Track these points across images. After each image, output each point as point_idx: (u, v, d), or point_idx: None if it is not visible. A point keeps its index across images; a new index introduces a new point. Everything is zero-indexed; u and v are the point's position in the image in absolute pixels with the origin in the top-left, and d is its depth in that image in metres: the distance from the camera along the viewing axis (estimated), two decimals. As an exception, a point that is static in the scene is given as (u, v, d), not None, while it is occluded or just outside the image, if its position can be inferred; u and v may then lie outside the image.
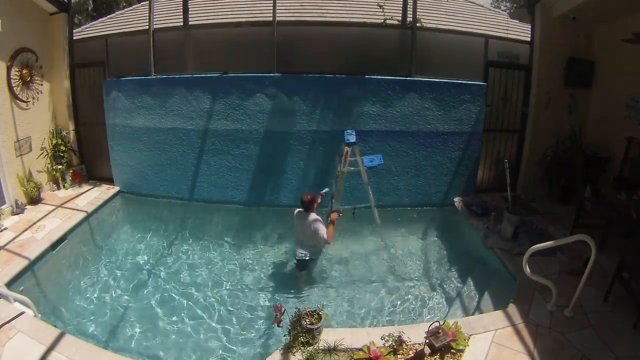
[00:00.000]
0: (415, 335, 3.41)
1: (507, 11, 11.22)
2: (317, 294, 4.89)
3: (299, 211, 4.92)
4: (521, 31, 7.25)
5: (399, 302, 4.77)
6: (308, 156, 6.31)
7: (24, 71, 5.94)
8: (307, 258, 4.86)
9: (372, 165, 5.14)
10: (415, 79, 6.13)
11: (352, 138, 4.70)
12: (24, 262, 4.55)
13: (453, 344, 3.29)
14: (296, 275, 5.07)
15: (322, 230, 4.68)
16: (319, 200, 4.98)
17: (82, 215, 5.76)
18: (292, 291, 4.94)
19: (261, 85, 6.06)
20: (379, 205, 6.42)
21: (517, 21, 7.61)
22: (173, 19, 7.46)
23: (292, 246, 5.82)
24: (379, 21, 6.72)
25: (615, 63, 5.97)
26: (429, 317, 4.46)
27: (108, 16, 9.34)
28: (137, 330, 4.28)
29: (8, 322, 3.57)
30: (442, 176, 6.44)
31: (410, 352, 3.34)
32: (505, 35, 6.89)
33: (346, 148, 4.79)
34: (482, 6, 9.29)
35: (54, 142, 6.55)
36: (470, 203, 6.22)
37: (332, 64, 6.39)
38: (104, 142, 6.74)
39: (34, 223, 5.43)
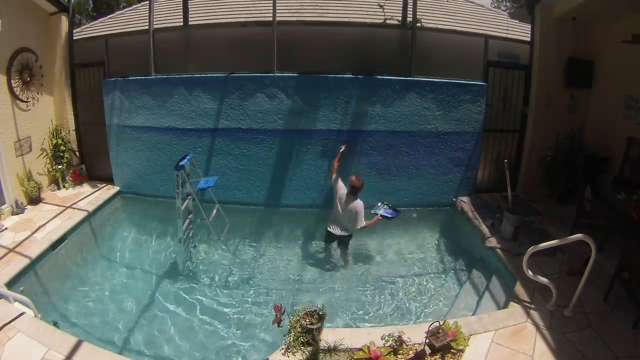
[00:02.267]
0: (415, 335, 3.42)
1: (507, 11, 11.22)
2: (311, 293, 4.90)
3: (346, 192, 5.15)
4: (521, 31, 7.24)
5: (398, 302, 4.77)
6: (308, 156, 6.31)
7: (24, 71, 5.94)
8: (347, 234, 5.26)
9: (206, 186, 5.34)
10: (416, 79, 6.12)
11: (182, 162, 4.98)
12: (24, 262, 4.55)
13: (453, 344, 3.29)
14: (337, 249, 5.46)
15: (362, 219, 5.11)
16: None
17: (82, 215, 5.76)
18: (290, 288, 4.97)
19: (261, 85, 6.06)
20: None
21: (517, 21, 7.60)
22: (173, 19, 7.46)
23: (287, 250, 5.83)
24: (379, 21, 6.72)
25: (615, 63, 5.97)
26: (428, 317, 4.46)
27: (108, 16, 9.32)
28: (137, 329, 4.28)
29: (9, 322, 3.57)
30: (442, 176, 6.44)
31: (410, 352, 3.34)
32: (505, 35, 6.89)
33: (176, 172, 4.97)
34: (482, 6, 9.27)
35: (54, 142, 6.55)
36: (470, 203, 6.22)
37: (332, 64, 6.39)
38: (104, 142, 6.75)
39: (36, 225, 5.43)
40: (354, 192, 5.08)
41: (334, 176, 5.35)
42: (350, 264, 5.47)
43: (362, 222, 5.12)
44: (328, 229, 5.30)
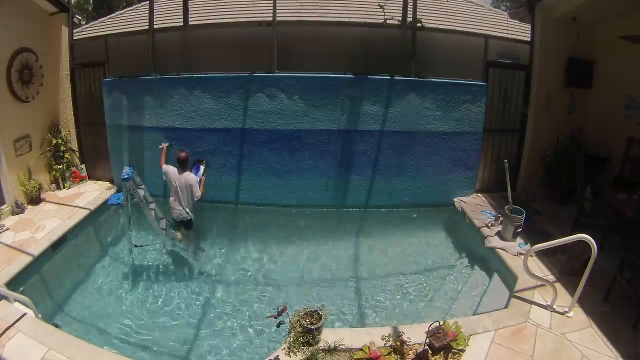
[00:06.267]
0: (415, 335, 3.42)
1: (507, 11, 11.22)
2: (318, 292, 4.89)
3: (173, 170, 5.24)
4: (521, 31, 7.24)
5: (398, 302, 4.77)
6: (307, 156, 6.31)
7: (24, 71, 5.94)
8: (190, 217, 5.37)
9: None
10: (416, 79, 6.12)
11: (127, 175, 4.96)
12: (24, 262, 4.56)
13: (453, 344, 3.29)
14: (184, 234, 5.60)
15: (198, 188, 5.32)
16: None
17: (82, 215, 5.76)
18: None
19: (261, 85, 6.06)
20: (379, 205, 6.49)
21: (517, 21, 7.61)
22: (173, 19, 7.45)
23: (288, 249, 5.83)
24: (380, 21, 6.72)
25: (615, 63, 5.97)
26: (428, 316, 4.46)
27: (108, 16, 9.31)
28: (137, 329, 4.28)
29: (11, 325, 3.56)
30: (442, 176, 6.44)
31: (410, 352, 3.34)
32: (505, 35, 6.88)
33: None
34: (482, 6, 9.27)
35: (54, 141, 6.54)
36: (470, 203, 6.22)
37: (332, 63, 6.38)
38: (104, 142, 6.75)
39: (36, 224, 5.43)
40: (182, 166, 5.19)
41: (163, 167, 5.42)
42: (194, 241, 5.75)
43: (199, 192, 5.31)
44: (173, 217, 5.39)
